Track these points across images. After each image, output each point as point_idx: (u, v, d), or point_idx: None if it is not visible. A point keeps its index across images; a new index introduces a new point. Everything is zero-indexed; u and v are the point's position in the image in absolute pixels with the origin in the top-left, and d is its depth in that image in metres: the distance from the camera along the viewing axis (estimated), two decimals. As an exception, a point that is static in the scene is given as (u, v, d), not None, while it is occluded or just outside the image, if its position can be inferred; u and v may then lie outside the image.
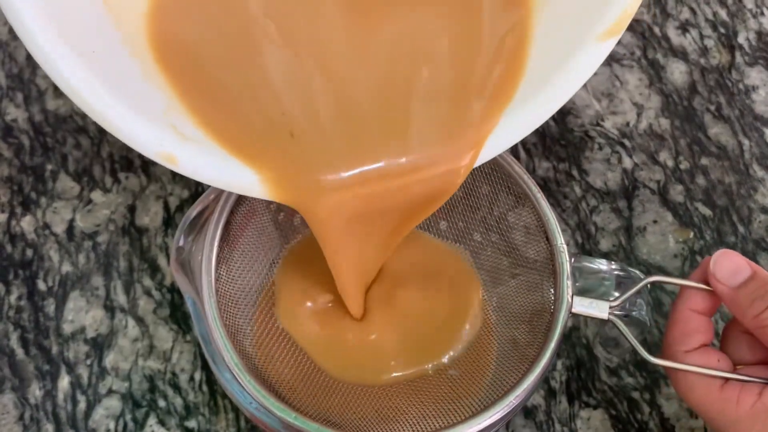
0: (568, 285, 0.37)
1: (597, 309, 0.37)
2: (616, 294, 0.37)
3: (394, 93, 0.36)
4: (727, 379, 0.35)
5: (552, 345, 0.36)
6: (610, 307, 0.37)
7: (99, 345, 0.44)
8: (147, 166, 0.49)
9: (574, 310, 0.37)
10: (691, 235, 0.48)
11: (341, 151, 0.34)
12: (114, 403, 0.42)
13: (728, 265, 0.36)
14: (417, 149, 0.34)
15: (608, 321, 0.37)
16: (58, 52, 0.32)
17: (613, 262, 0.39)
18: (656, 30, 0.55)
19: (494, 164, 0.40)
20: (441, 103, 0.35)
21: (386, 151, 0.34)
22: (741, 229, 0.48)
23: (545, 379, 0.43)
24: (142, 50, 0.36)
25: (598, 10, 0.34)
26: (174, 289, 0.45)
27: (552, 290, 0.38)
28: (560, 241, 0.38)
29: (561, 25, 0.36)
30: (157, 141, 0.33)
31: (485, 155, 0.35)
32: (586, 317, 0.37)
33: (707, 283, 0.36)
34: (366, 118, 0.35)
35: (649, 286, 0.38)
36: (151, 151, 0.33)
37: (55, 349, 0.43)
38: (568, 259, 0.38)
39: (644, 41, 0.55)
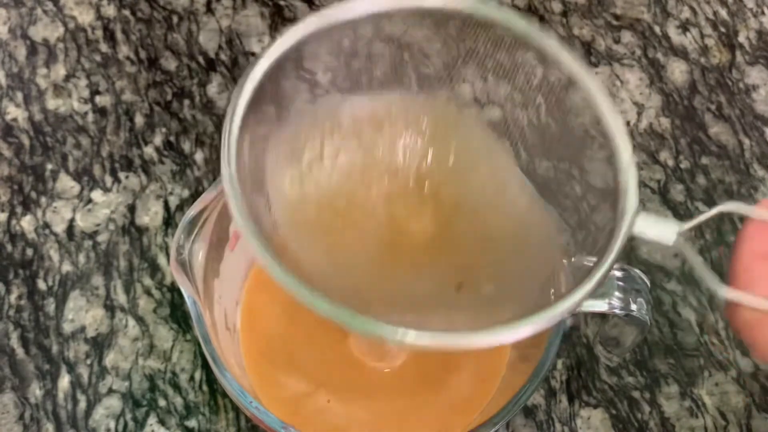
0: (630, 199, 0.32)
1: (662, 233, 0.32)
2: (617, 294, 0.37)
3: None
4: None
5: (607, 263, 0.32)
6: (679, 233, 0.32)
7: (99, 344, 0.44)
8: (147, 165, 0.49)
9: (637, 231, 0.32)
10: (692, 234, 0.48)
11: None
12: (114, 403, 0.42)
13: None
14: None
15: (673, 249, 0.32)
16: None
17: (613, 262, 0.39)
18: (656, 29, 0.55)
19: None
20: None
21: None
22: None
23: (545, 379, 0.43)
24: None
25: None
26: (174, 289, 0.45)
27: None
28: (628, 154, 0.34)
29: None
30: None
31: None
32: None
33: None
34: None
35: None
36: None
37: (55, 349, 0.43)
38: (635, 174, 0.33)
39: (644, 40, 0.55)
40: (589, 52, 0.54)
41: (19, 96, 0.51)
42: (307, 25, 0.34)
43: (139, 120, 0.50)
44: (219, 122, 0.51)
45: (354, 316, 0.29)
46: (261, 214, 0.33)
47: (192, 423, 0.42)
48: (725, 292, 0.30)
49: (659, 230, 0.32)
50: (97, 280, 0.45)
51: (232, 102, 0.33)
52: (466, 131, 0.39)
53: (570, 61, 0.34)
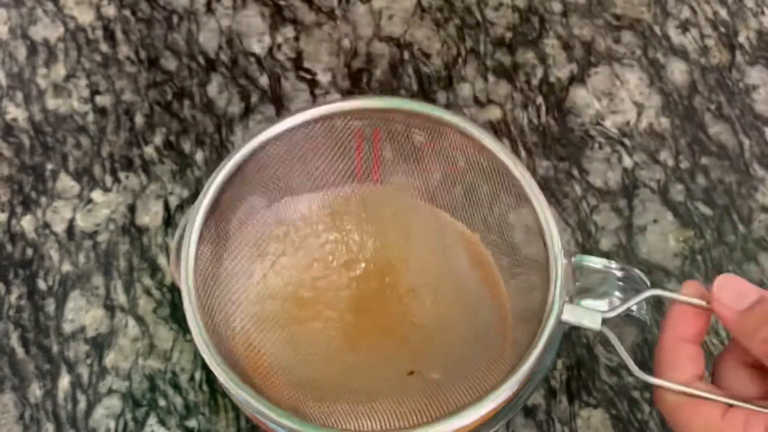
0: (557, 294, 0.35)
1: (589, 320, 0.35)
2: (617, 294, 0.37)
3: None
4: (729, 407, 0.32)
5: (535, 352, 0.34)
6: (603, 319, 0.35)
7: (99, 344, 0.44)
8: (147, 165, 0.49)
9: (564, 318, 0.35)
10: (692, 234, 0.48)
11: None
12: (114, 403, 0.42)
13: (734, 288, 0.33)
14: None
15: (601, 328, 0.35)
16: None
17: (613, 262, 0.39)
18: (656, 29, 0.55)
19: (495, 163, 0.40)
20: None
21: None
22: (741, 228, 0.48)
23: (545, 379, 0.43)
24: None
25: None
26: (174, 289, 0.45)
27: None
28: (557, 246, 0.37)
29: None
30: None
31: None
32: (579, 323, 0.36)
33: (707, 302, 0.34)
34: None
35: (644, 303, 0.36)
36: None
37: (55, 349, 0.43)
38: (563, 265, 0.36)
39: (644, 40, 0.55)
40: (589, 52, 0.54)
41: (19, 96, 0.51)
42: (266, 133, 0.39)
43: (139, 120, 0.50)
44: (219, 122, 0.51)
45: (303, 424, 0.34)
46: (217, 318, 0.38)
47: (192, 423, 0.42)
48: (644, 377, 0.33)
49: (587, 318, 0.35)
50: (97, 280, 0.45)
51: (191, 214, 0.37)
52: (420, 218, 0.43)
53: (497, 150, 0.39)
